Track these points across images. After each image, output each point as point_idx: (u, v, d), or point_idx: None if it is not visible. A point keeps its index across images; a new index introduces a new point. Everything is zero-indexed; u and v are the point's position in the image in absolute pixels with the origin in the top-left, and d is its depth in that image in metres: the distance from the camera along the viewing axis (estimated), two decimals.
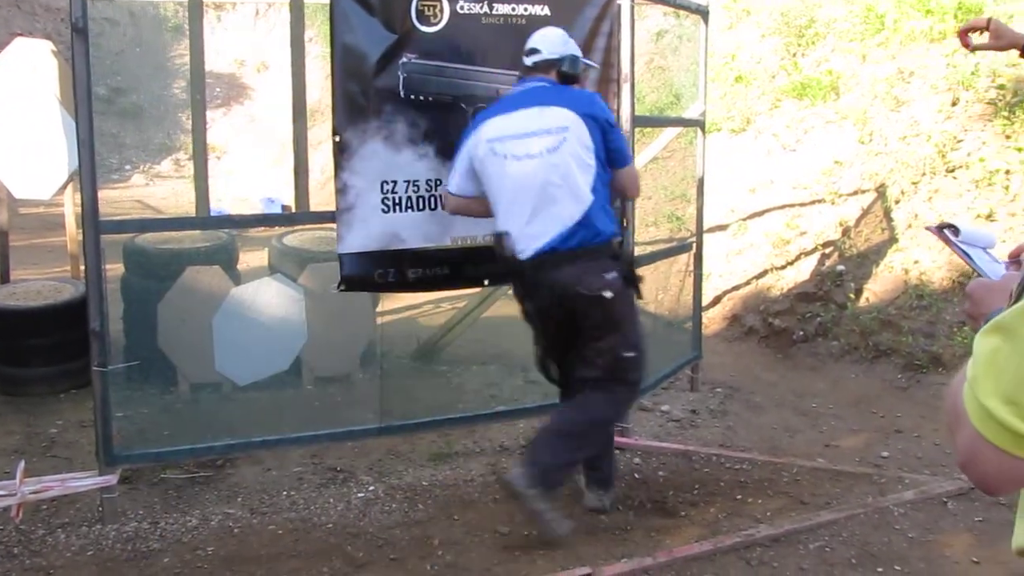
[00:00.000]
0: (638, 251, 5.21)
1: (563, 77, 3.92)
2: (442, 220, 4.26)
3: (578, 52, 4.01)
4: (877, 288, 6.64)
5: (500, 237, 3.84)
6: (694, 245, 5.74)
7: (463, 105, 4.24)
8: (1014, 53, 3.15)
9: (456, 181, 3.97)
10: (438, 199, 4.23)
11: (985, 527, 3.98)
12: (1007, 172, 6.49)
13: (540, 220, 3.72)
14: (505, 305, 6.63)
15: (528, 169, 3.74)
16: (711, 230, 7.68)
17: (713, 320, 7.11)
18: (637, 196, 4.44)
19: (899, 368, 5.96)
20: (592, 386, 3.81)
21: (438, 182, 4.22)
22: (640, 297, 3.92)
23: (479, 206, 3.97)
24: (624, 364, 3.81)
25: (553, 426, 3.83)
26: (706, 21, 5.56)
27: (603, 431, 3.99)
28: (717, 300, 7.31)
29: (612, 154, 3.84)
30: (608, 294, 3.68)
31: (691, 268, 5.78)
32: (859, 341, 6.34)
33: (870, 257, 6.89)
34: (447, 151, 4.20)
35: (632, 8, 4.60)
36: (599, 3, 4.50)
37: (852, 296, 6.70)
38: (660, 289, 6.27)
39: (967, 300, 1.49)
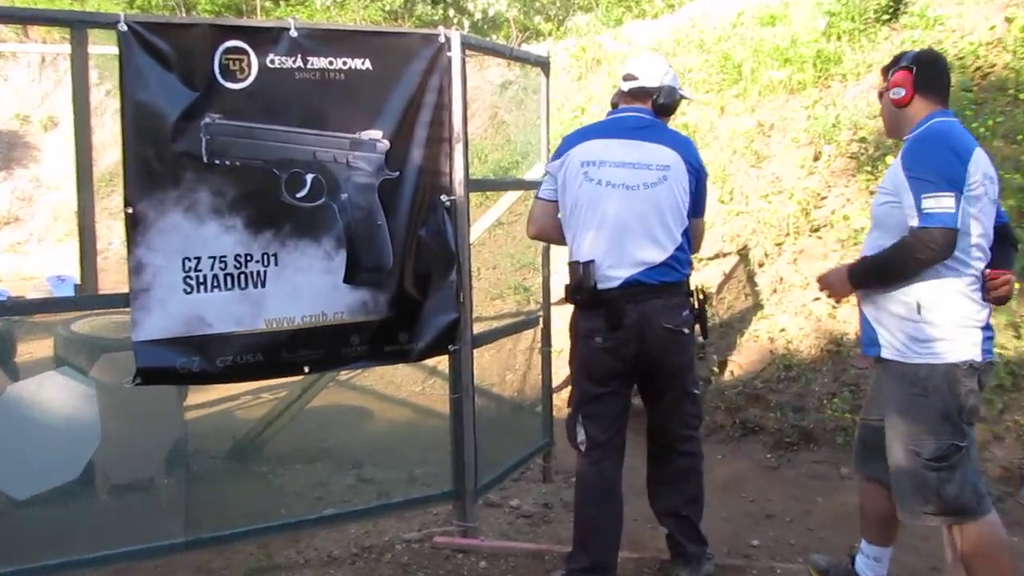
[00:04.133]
0: (479, 328, 5.26)
1: (657, 108, 4.26)
2: (254, 301, 4.21)
3: (676, 83, 4.33)
4: (742, 360, 6.86)
5: (580, 266, 4.08)
6: (541, 319, 5.77)
7: (275, 171, 4.23)
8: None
9: (549, 191, 4.31)
10: (248, 276, 4.20)
11: None
12: None
13: (630, 252, 4.04)
14: (334, 394, 6.60)
15: (626, 200, 4.06)
16: (561, 302, 7.78)
17: (566, 402, 7.14)
18: (699, 251, 4.79)
19: (768, 447, 6.15)
20: (681, 441, 4.34)
21: (248, 257, 4.18)
22: (706, 336, 4.48)
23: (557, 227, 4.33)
24: (693, 399, 4.33)
25: (697, 494, 4.44)
26: (547, 74, 5.63)
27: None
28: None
29: (697, 203, 4.24)
30: (686, 330, 4.15)
31: (539, 344, 5.83)
32: (725, 419, 6.53)
33: (734, 326, 7.12)
34: (257, 222, 4.19)
35: (463, 62, 4.64)
36: (427, 56, 4.55)
37: (716, 369, 6.90)
38: (507, 369, 6.32)
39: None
